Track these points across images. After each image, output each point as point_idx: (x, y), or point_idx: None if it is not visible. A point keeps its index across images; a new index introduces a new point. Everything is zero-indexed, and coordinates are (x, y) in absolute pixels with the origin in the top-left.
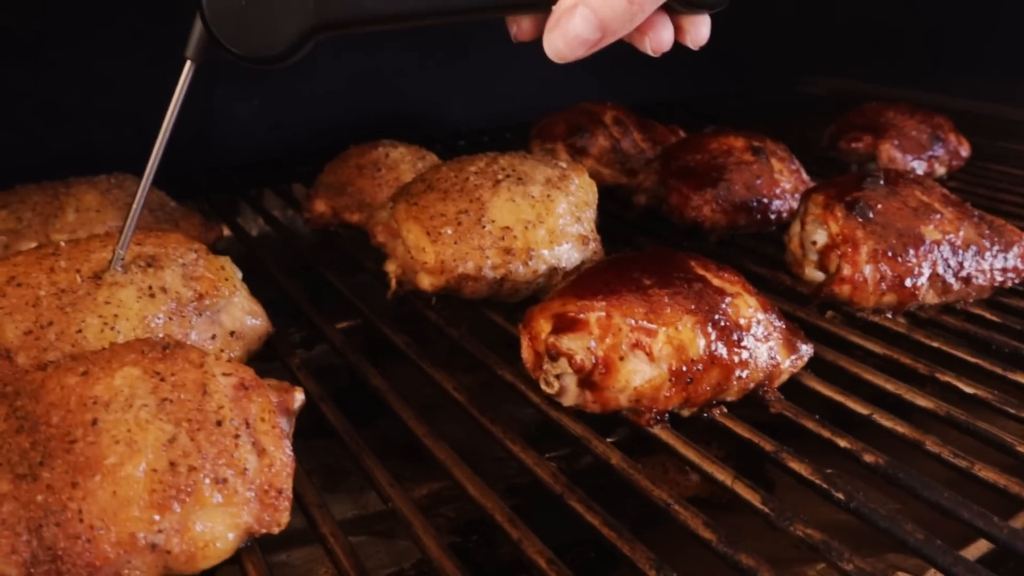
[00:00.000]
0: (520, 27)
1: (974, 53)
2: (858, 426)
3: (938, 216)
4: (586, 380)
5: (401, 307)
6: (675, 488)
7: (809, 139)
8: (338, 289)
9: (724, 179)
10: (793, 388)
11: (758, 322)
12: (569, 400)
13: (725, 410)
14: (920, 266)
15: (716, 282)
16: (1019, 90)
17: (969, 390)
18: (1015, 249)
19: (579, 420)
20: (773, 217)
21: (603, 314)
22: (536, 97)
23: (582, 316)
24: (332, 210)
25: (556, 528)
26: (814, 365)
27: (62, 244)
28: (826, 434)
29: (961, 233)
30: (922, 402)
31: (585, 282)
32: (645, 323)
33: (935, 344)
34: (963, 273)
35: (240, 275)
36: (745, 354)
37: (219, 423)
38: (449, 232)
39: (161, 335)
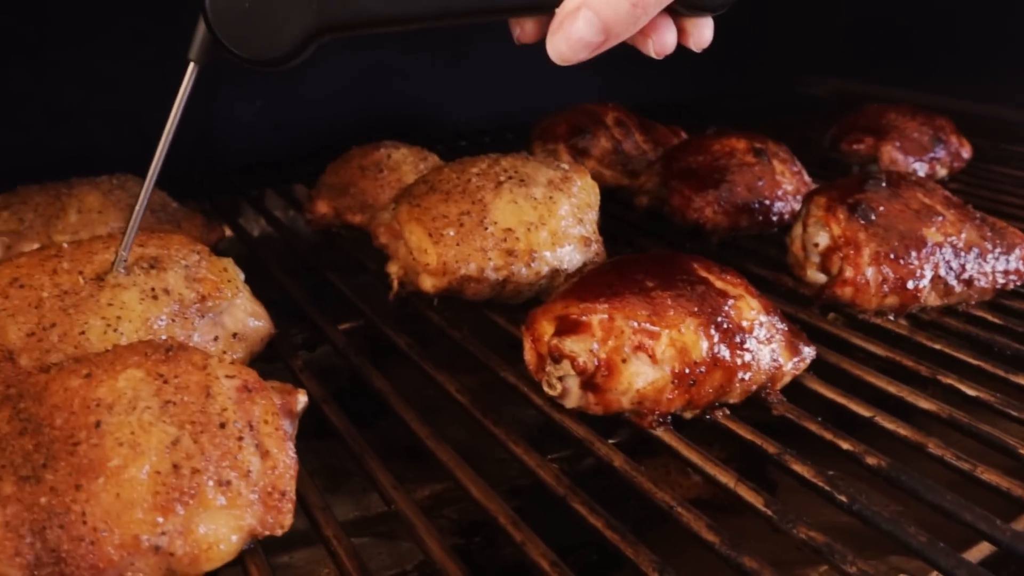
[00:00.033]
0: (523, 29)
1: (976, 55)
2: (860, 428)
3: (940, 218)
4: (589, 382)
5: (403, 308)
6: (677, 490)
7: (810, 140)
8: (340, 290)
9: (726, 181)
10: (795, 390)
11: (761, 324)
12: (571, 402)
13: (727, 412)
14: (922, 268)
15: (719, 284)
16: (1021, 92)
17: (971, 392)
18: (1017, 251)
19: (581, 422)
20: (775, 219)
21: (606, 316)
22: (538, 98)
23: (585, 318)
24: (334, 211)
25: (559, 530)
26: (816, 367)
27: (65, 246)
28: (828, 436)
29: (963, 235)
30: (924, 404)
31: (588, 284)
32: (648, 325)
33: (937, 346)
34: (965, 275)
35: (242, 277)
36: (748, 356)
37: (222, 425)
38: (451, 233)
39: (164, 337)
